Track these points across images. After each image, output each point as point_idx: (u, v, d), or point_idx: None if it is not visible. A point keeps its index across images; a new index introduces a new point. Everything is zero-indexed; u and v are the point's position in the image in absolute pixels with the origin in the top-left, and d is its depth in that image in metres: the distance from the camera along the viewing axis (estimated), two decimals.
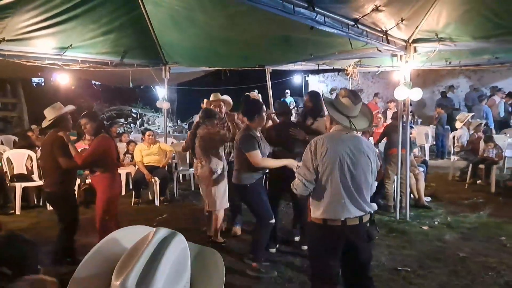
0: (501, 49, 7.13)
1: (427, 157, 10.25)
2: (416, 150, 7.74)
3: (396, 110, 7.39)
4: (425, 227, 5.78)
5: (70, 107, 4.69)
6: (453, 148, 9.22)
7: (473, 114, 10.27)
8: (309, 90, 16.20)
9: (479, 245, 5.13)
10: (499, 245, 5.14)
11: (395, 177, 6.45)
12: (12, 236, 1.41)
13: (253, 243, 4.58)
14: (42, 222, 6.20)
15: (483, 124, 9.36)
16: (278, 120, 5.37)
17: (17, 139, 9.71)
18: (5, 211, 6.62)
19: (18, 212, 6.69)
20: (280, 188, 4.70)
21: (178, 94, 18.57)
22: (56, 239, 4.55)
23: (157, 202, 7.26)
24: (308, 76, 17.67)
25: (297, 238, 5.22)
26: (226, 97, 6.02)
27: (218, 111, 5.59)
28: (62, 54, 6.93)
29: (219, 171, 5.05)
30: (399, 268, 4.44)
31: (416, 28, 5.63)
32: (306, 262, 4.37)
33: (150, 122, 17.78)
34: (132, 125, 17.05)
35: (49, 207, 6.08)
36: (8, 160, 7.08)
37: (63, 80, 9.78)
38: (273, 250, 4.93)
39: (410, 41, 5.88)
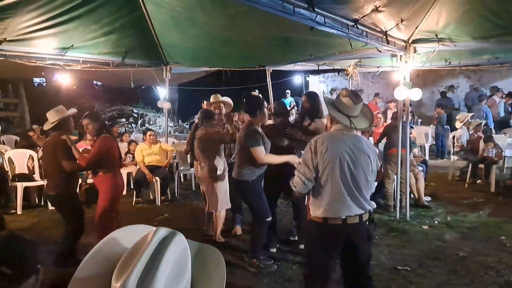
0: (500, 49, 7.14)
1: (427, 157, 10.26)
2: (416, 150, 7.75)
3: (396, 110, 7.40)
4: (425, 227, 5.79)
5: (73, 111, 4.68)
6: (453, 148, 9.23)
7: (472, 114, 10.27)
8: (310, 90, 16.21)
9: (478, 244, 5.14)
10: (499, 244, 5.15)
11: (395, 176, 6.46)
12: (12, 236, 1.42)
13: (251, 241, 4.61)
14: (43, 222, 6.23)
15: (482, 124, 9.37)
16: (276, 121, 5.36)
17: (18, 139, 9.74)
18: (7, 210, 6.62)
19: (19, 211, 6.71)
20: (279, 185, 4.70)
21: (179, 94, 18.59)
22: (62, 240, 4.54)
23: (158, 202, 7.28)
24: (308, 76, 17.67)
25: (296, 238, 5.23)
26: (226, 99, 6.02)
27: (218, 113, 5.61)
28: (64, 55, 6.94)
29: (219, 172, 5.06)
30: (398, 267, 4.45)
31: (416, 28, 5.64)
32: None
33: (151, 122, 17.79)
34: (133, 125, 17.06)
35: (50, 207, 6.10)
36: (10, 160, 7.11)
37: (64, 80, 9.79)
38: (274, 250, 4.95)
39: (410, 41, 5.89)
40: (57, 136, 4.44)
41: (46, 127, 4.57)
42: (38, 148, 7.49)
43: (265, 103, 4.65)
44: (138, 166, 7.57)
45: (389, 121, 9.19)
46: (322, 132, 3.92)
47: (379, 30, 5.35)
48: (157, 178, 7.26)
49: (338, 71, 12.51)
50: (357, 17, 4.77)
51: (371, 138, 8.60)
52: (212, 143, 5.08)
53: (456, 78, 14.79)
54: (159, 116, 17.75)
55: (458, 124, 9.16)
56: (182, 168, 8.32)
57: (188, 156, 8.19)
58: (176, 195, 7.80)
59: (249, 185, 4.44)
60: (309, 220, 3.10)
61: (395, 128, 6.35)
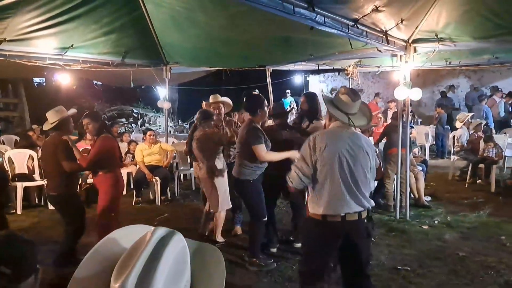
0: (501, 49, 7.14)
1: (427, 157, 10.26)
2: (416, 150, 7.75)
3: (396, 110, 7.41)
4: (425, 227, 5.79)
5: (72, 111, 4.67)
6: (453, 147, 9.23)
7: (473, 114, 10.28)
8: (310, 90, 16.21)
9: (478, 244, 5.14)
10: (499, 244, 5.15)
11: (395, 176, 6.46)
12: (12, 236, 1.42)
13: (250, 241, 4.62)
14: (43, 222, 6.23)
15: (483, 124, 9.37)
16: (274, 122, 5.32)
17: (18, 139, 9.74)
18: (7, 210, 6.61)
19: (19, 211, 6.71)
20: (279, 185, 4.68)
21: (179, 94, 18.58)
22: (63, 241, 4.54)
23: (158, 202, 7.28)
24: (308, 76, 17.67)
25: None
26: (225, 99, 6.01)
27: (217, 113, 5.60)
28: (64, 54, 6.94)
29: (218, 172, 5.05)
30: (398, 267, 4.45)
31: (416, 28, 5.64)
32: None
33: (151, 122, 17.79)
34: (133, 125, 17.06)
35: (50, 207, 6.10)
36: (10, 160, 7.11)
37: (64, 80, 9.80)
38: (274, 250, 4.94)
39: (410, 41, 5.89)
40: (57, 137, 4.43)
41: (46, 127, 4.55)
42: (38, 148, 7.49)
43: (266, 102, 4.64)
44: (138, 166, 7.56)
45: (389, 121, 9.19)
46: None
47: (379, 30, 5.35)
48: (157, 178, 7.25)
49: (338, 71, 12.49)
50: (357, 16, 4.77)
51: (371, 138, 8.60)
52: (210, 143, 5.07)
53: (456, 78, 14.79)
54: (159, 116, 17.75)
55: (458, 124, 9.16)
56: (182, 168, 8.32)
57: (188, 156, 8.22)
58: (176, 195, 7.80)
59: (249, 184, 4.43)
60: (308, 218, 3.08)
61: (395, 128, 6.35)
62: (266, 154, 4.30)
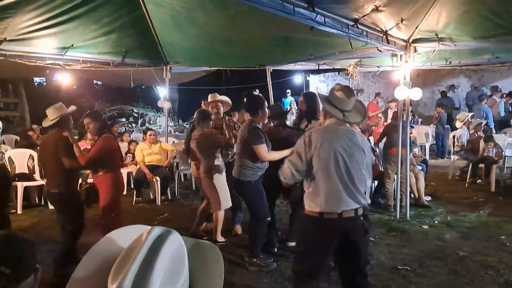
0: (501, 49, 7.14)
1: (427, 157, 10.25)
2: (416, 150, 7.75)
3: (396, 109, 7.40)
4: (425, 226, 5.80)
5: (73, 108, 4.65)
6: (453, 147, 9.22)
7: (473, 113, 10.28)
8: (310, 90, 16.20)
9: (478, 244, 5.14)
10: (499, 244, 5.15)
11: (395, 176, 6.46)
12: (12, 236, 1.42)
13: (251, 241, 4.61)
14: (43, 221, 6.24)
15: (483, 124, 9.36)
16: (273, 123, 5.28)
17: (18, 138, 9.74)
18: (7, 210, 6.63)
19: (19, 211, 6.72)
20: (279, 185, 4.68)
21: (179, 94, 18.57)
22: (63, 240, 4.51)
23: (158, 202, 7.28)
24: (309, 76, 17.64)
25: None
26: (224, 98, 5.99)
27: (216, 112, 5.60)
28: (64, 54, 6.93)
29: (216, 172, 5.05)
30: (398, 267, 4.45)
31: (416, 28, 5.63)
32: None
33: (151, 122, 17.78)
34: (133, 124, 17.05)
35: (51, 206, 6.10)
36: (10, 159, 7.11)
37: (64, 80, 9.79)
38: (274, 249, 4.94)
39: (410, 41, 5.89)
40: (58, 133, 4.40)
41: (46, 124, 4.50)
42: (38, 147, 7.49)
43: (266, 103, 4.64)
44: (138, 166, 7.57)
45: (389, 120, 9.19)
46: None
47: (379, 29, 5.35)
48: (157, 178, 7.26)
49: (339, 70, 12.48)
50: (357, 16, 4.77)
51: (371, 138, 8.61)
52: (208, 143, 5.06)
53: (457, 78, 14.78)
54: (159, 116, 17.75)
55: (458, 124, 9.16)
56: (182, 167, 8.31)
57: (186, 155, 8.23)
58: (176, 194, 7.81)
59: (250, 185, 4.42)
60: (305, 215, 3.06)
61: (395, 128, 6.35)
62: (267, 154, 4.28)
